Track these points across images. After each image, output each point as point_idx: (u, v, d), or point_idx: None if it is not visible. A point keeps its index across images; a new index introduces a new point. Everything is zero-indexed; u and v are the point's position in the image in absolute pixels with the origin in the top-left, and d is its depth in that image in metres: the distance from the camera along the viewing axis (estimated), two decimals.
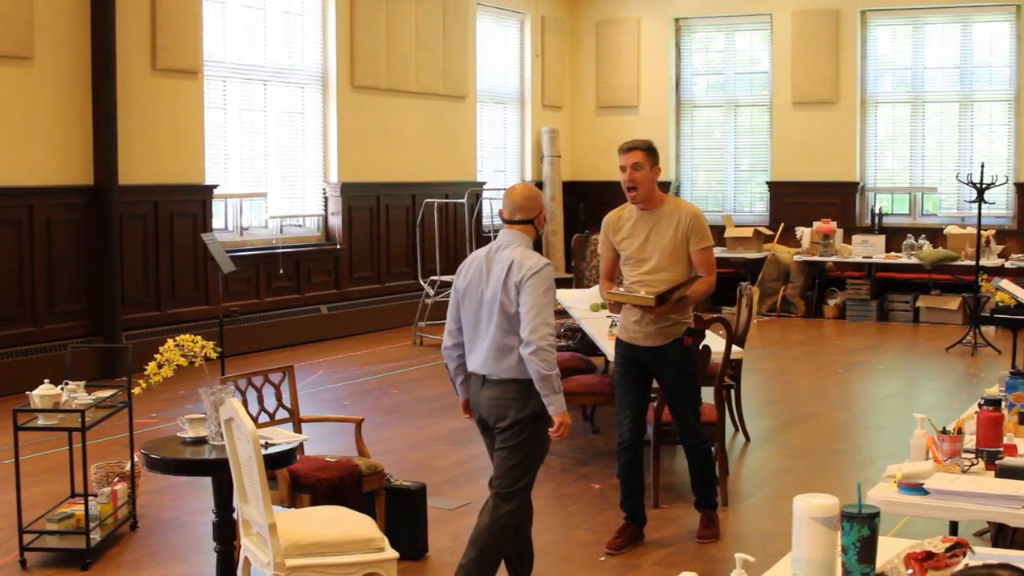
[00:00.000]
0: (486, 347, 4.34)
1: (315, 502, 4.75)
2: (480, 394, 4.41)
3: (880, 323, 12.98)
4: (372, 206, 12.22)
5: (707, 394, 6.14)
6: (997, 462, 3.59)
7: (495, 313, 4.31)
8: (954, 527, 4.33)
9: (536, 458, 4.42)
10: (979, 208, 11.46)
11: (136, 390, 5.09)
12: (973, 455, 3.70)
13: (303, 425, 5.36)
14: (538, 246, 14.92)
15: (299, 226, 11.74)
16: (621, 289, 5.31)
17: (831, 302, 13.38)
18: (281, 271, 11.04)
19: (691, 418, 5.42)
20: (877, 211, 13.95)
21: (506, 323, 4.29)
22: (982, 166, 11.65)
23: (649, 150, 5.21)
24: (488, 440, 4.54)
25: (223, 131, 10.71)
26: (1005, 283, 9.03)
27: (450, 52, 13.16)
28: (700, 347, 5.85)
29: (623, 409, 5.40)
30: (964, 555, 2.56)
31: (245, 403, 4.72)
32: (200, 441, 4.52)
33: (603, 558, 5.26)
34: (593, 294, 7.99)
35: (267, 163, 11.24)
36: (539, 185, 14.94)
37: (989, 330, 11.58)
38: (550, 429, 4.32)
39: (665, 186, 15.05)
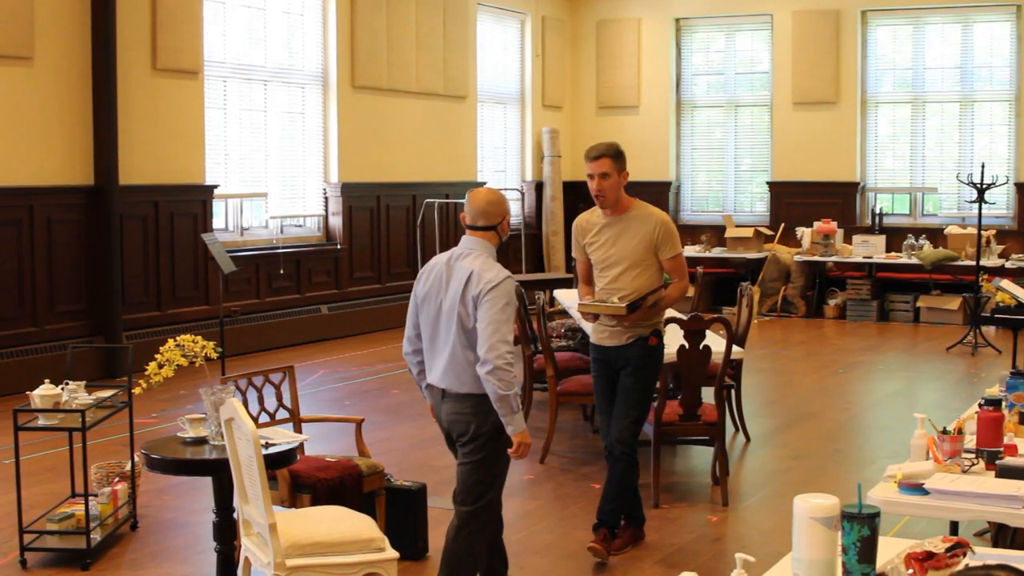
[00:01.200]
0: (445, 360, 4.18)
1: (315, 502, 4.75)
2: (440, 407, 4.27)
3: (880, 323, 12.98)
4: (372, 206, 12.22)
5: (707, 394, 6.15)
6: (997, 462, 3.59)
7: (453, 325, 4.14)
8: (954, 527, 4.33)
9: (499, 473, 4.26)
10: (979, 208, 11.46)
11: (136, 390, 5.09)
12: (973, 455, 3.70)
13: (303, 425, 5.36)
14: (537, 248, 14.93)
15: (299, 226, 11.74)
16: (591, 299, 5.22)
17: (831, 302, 13.38)
18: (281, 271, 11.04)
19: (630, 425, 5.19)
20: (877, 211, 13.95)
21: (464, 338, 4.13)
22: (982, 166, 11.65)
23: (616, 156, 5.10)
24: (453, 453, 4.38)
25: (223, 131, 10.71)
26: (1005, 283, 9.03)
27: (450, 52, 13.16)
28: (704, 349, 5.85)
29: (603, 415, 5.32)
30: (964, 555, 2.56)
31: (245, 403, 4.72)
32: (200, 441, 4.52)
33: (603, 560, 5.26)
34: None
35: (267, 163, 11.24)
36: (539, 186, 14.94)
37: (989, 330, 11.58)
38: (509, 450, 4.16)
39: (666, 186, 15.07)
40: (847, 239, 13.62)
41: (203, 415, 4.57)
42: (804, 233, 13.78)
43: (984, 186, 11.32)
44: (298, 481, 4.86)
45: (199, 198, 10.21)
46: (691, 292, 12.16)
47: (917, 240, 13.37)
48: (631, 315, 5.07)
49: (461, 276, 4.15)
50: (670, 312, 5.75)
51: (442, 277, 4.21)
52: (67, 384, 5.26)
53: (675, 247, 5.20)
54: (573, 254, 5.43)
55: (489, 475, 4.22)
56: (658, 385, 6.07)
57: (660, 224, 5.16)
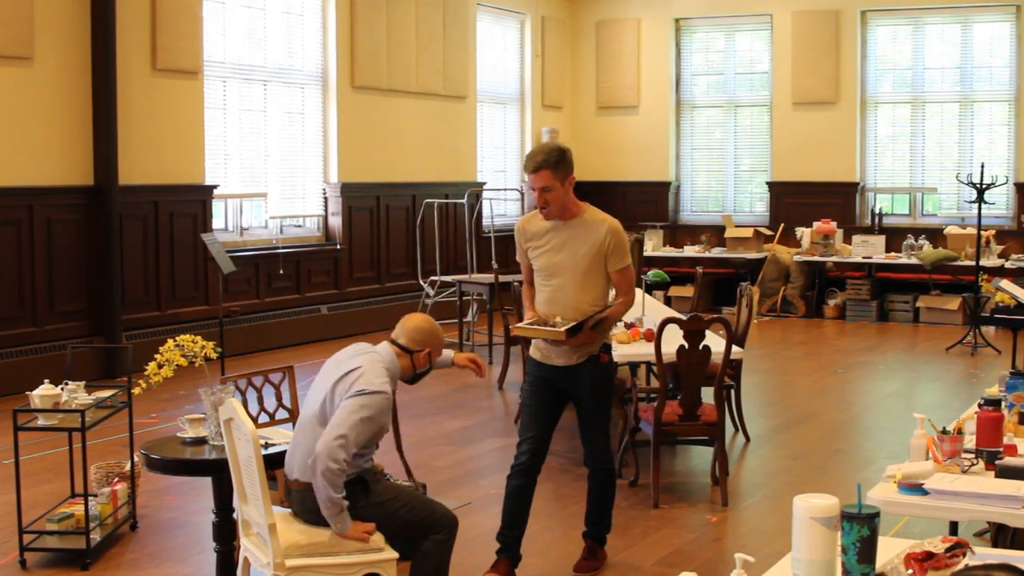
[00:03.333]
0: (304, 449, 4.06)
1: None
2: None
3: (880, 323, 12.98)
4: (372, 206, 12.22)
5: (707, 394, 6.15)
6: (997, 462, 3.59)
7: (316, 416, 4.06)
8: (954, 527, 4.33)
9: (409, 501, 4.15)
10: (979, 208, 11.46)
11: (136, 390, 5.09)
12: (973, 455, 3.70)
13: None
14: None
15: (299, 226, 11.74)
16: (527, 322, 4.88)
17: (831, 302, 13.38)
18: (281, 271, 11.04)
19: (601, 440, 5.00)
20: (877, 211, 13.95)
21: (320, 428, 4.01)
22: (982, 166, 11.65)
23: (556, 165, 4.67)
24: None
25: (223, 131, 10.71)
26: (1005, 283, 9.03)
27: (450, 52, 13.16)
28: (703, 349, 5.84)
29: (526, 431, 4.93)
30: (964, 555, 2.56)
31: (245, 403, 4.73)
32: (200, 441, 4.53)
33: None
34: None
35: (267, 163, 11.24)
36: None
37: (989, 330, 11.58)
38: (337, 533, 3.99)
39: (665, 186, 15.07)
40: (847, 239, 13.62)
41: (203, 415, 4.57)
42: (804, 233, 13.78)
43: (984, 186, 11.32)
44: None
45: (199, 198, 10.21)
46: (691, 292, 12.18)
47: (917, 240, 13.38)
48: (571, 339, 4.73)
49: (346, 368, 4.07)
50: (670, 312, 5.75)
51: (335, 365, 4.15)
52: (67, 384, 5.26)
53: (624, 258, 4.82)
54: (517, 258, 5.01)
55: (414, 510, 4.11)
56: (658, 385, 6.09)
57: (611, 232, 4.78)
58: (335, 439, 3.87)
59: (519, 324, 4.98)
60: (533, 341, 4.97)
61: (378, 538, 4.04)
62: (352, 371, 4.03)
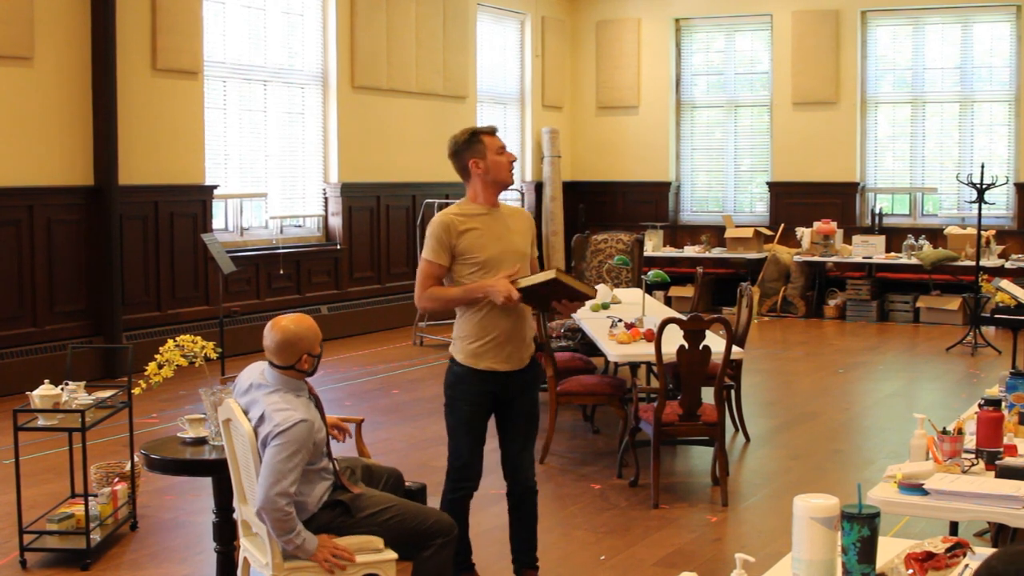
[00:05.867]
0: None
1: None
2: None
3: (880, 323, 12.98)
4: (372, 206, 12.22)
5: (707, 394, 6.15)
6: (997, 462, 3.59)
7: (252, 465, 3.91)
8: (954, 527, 4.33)
9: (393, 511, 4.05)
10: (979, 208, 11.46)
11: (136, 390, 5.09)
12: (973, 455, 3.70)
13: None
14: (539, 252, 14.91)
15: (299, 226, 11.74)
16: (520, 281, 4.39)
17: (831, 302, 13.38)
18: (281, 271, 11.04)
19: (531, 452, 4.71)
20: (877, 211, 13.95)
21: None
22: (982, 166, 11.65)
23: (451, 158, 4.53)
24: None
25: (223, 131, 10.71)
26: (1005, 283, 9.03)
27: (450, 52, 13.16)
28: (703, 349, 5.83)
29: (473, 455, 4.56)
30: (964, 555, 2.56)
31: None
32: (200, 441, 4.53)
33: (603, 557, 5.26)
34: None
35: (267, 163, 11.24)
36: (539, 186, 14.94)
37: (989, 330, 11.58)
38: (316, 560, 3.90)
39: (665, 186, 15.07)
40: (847, 239, 13.62)
41: (203, 415, 4.57)
42: (804, 233, 13.78)
43: (984, 186, 11.32)
44: None
45: (199, 198, 10.21)
46: (691, 292, 12.18)
47: (917, 240, 13.37)
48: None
49: (256, 412, 3.92)
50: (670, 312, 5.73)
51: (243, 404, 3.99)
52: (67, 384, 5.26)
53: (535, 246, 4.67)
54: (431, 257, 4.43)
55: (405, 519, 4.03)
56: (658, 385, 6.08)
57: (531, 217, 4.69)
58: (270, 488, 3.77)
59: (518, 284, 4.37)
60: (490, 346, 4.44)
61: (377, 540, 4.03)
62: (262, 415, 3.89)
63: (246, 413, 3.97)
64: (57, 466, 6.53)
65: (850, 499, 2.65)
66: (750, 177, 15.11)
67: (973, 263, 11.96)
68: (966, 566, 2.56)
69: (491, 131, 4.56)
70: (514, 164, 4.57)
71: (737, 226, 14.24)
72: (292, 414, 3.84)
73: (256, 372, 4.05)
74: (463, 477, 4.59)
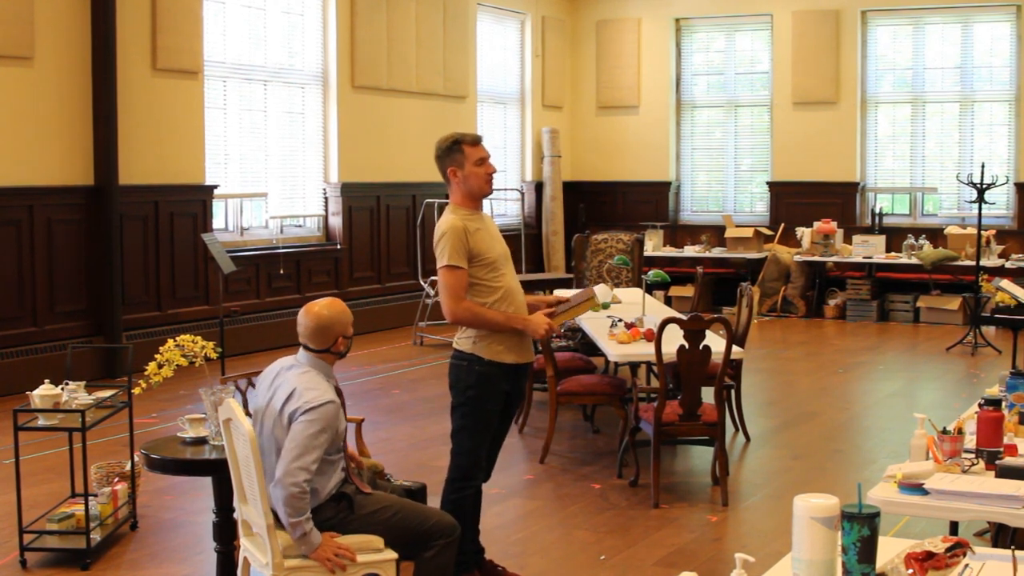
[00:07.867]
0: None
1: None
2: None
3: (880, 323, 12.98)
4: (372, 206, 12.22)
5: (707, 394, 6.15)
6: (997, 462, 3.59)
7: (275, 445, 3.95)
8: (954, 527, 4.33)
9: (400, 511, 4.07)
10: (979, 208, 11.46)
11: (136, 390, 5.09)
12: (973, 455, 3.70)
13: None
14: (537, 248, 14.89)
15: (299, 226, 11.74)
16: (562, 309, 4.67)
17: (831, 302, 13.38)
18: (281, 271, 11.04)
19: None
20: (877, 211, 13.95)
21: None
22: (982, 166, 11.65)
23: (435, 161, 4.79)
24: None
25: (223, 131, 10.71)
26: (1005, 283, 9.03)
27: (450, 52, 13.16)
28: (704, 349, 5.82)
29: (481, 450, 4.65)
30: (964, 555, 2.56)
31: (245, 403, 4.72)
32: (200, 441, 4.53)
33: (603, 557, 5.26)
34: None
35: (267, 163, 11.24)
36: (539, 186, 14.94)
37: (989, 330, 11.58)
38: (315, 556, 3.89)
39: (665, 186, 15.07)
40: (847, 239, 13.62)
41: (203, 415, 4.57)
42: (804, 233, 13.78)
43: (984, 186, 11.32)
44: None
45: (199, 198, 10.21)
46: (691, 292, 12.17)
47: (917, 240, 13.37)
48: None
49: (284, 391, 3.95)
50: (670, 312, 5.74)
51: (274, 390, 4.01)
52: (67, 384, 5.26)
53: None
54: (457, 262, 4.52)
55: (407, 519, 4.04)
56: (658, 385, 6.08)
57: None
58: (292, 461, 3.81)
59: (558, 314, 4.63)
60: (511, 343, 4.57)
61: (377, 539, 4.04)
62: (291, 393, 3.93)
63: (270, 400, 4.00)
64: (57, 466, 6.53)
65: (850, 499, 2.65)
66: (750, 177, 15.11)
67: (973, 263, 11.96)
68: (966, 566, 2.56)
69: (474, 141, 4.66)
70: (493, 176, 4.66)
71: (737, 226, 14.24)
72: (323, 394, 3.91)
73: (285, 361, 4.10)
74: (472, 476, 4.66)
